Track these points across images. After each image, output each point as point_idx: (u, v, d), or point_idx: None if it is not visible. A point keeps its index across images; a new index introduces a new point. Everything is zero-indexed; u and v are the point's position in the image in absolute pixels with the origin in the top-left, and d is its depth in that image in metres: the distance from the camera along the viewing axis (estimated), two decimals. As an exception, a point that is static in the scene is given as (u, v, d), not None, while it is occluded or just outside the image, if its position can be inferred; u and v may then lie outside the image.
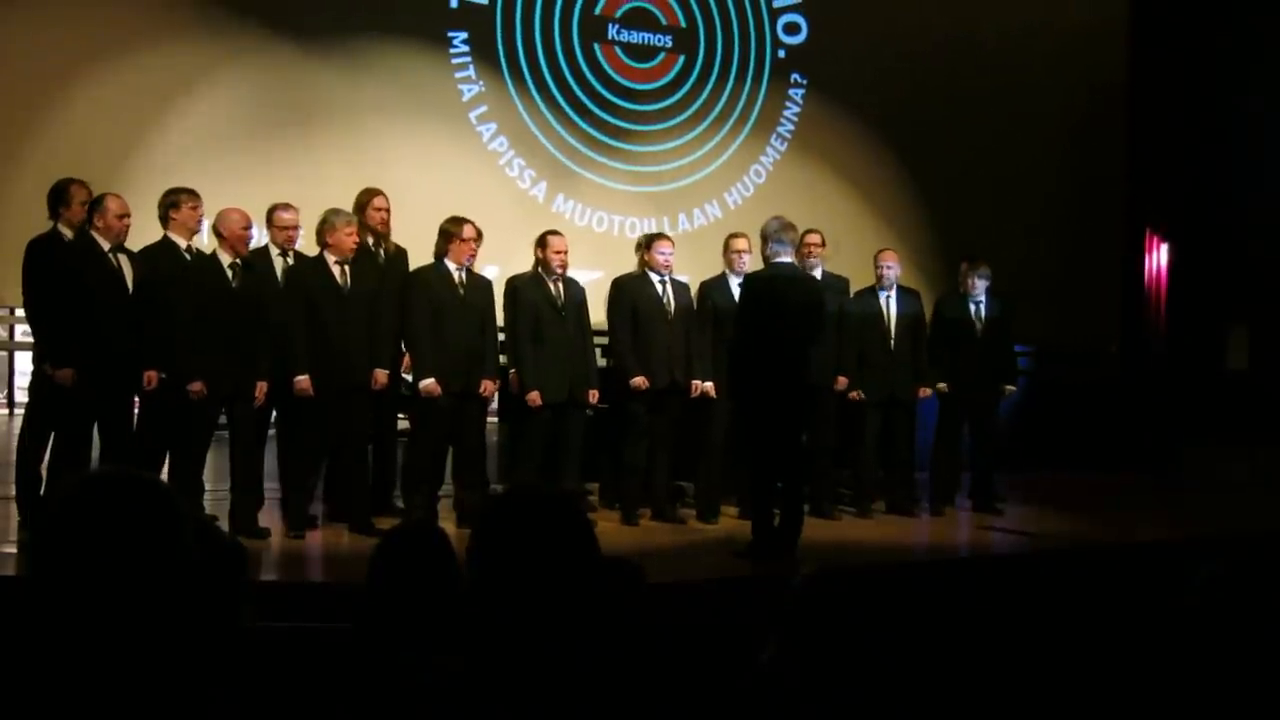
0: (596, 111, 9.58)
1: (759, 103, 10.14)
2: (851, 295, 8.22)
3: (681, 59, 9.88)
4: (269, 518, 6.82)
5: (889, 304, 8.15)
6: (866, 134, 10.46)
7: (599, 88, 9.61)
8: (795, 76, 10.28)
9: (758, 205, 9.73)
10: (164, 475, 6.52)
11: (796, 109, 10.25)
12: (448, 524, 6.77)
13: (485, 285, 7.27)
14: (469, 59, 9.12)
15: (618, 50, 9.68)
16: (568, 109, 9.49)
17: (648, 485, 7.65)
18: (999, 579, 6.39)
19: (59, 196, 6.40)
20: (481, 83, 9.16)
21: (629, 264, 7.92)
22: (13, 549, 6.04)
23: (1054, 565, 6.80)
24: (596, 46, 9.60)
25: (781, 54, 10.24)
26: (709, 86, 9.97)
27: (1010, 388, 8.48)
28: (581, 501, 7.44)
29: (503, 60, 9.25)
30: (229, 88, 8.41)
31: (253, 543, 6.29)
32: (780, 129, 10.22)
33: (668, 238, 7.77)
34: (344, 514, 6.96)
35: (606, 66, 9.63)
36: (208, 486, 6.83)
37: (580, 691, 1.92)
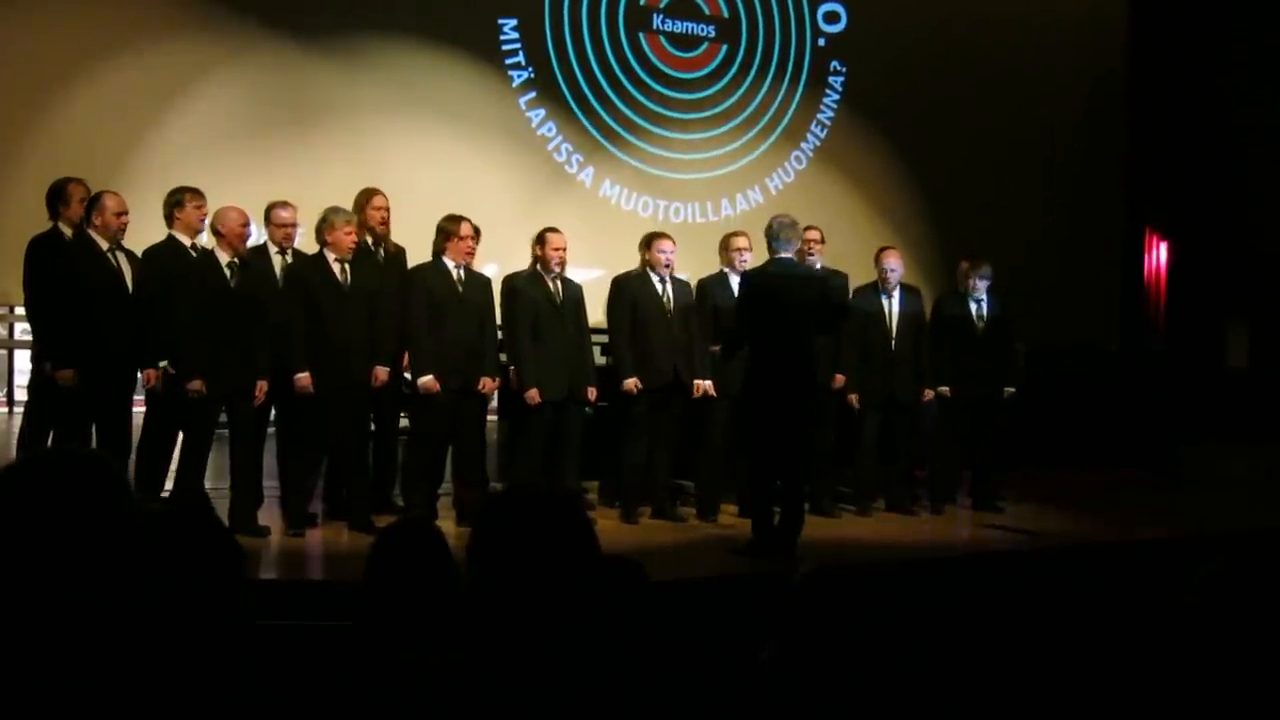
0: (641, 99, 9.75)
1: (800, 89, 10.29)
2: (851, 291, 8.19)
3: (724, 48, 10.07)
4: (268, 516, 6.83)
5: (891, 303, 8.13)
6: (878, 128, 10.52)
7: (644, 76, 9.79)
8: (835, 64, 10.41)
9: (800, 191, 10.01)
10: (169, 473, 6.56)
11: (836, 96, 10.36)
12: (447, 522, 6.77)
13: (484, 283, 7.27)
14: (519, 45, 9.27)
15: (662, 39, 9.85)
16: (613, 97, 9.65)
17: (647, 483, 7.64)
18: (999, 577, 6.39)
19: (58, 195, 6.40)
20: (531, 69, 9.30)
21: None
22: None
23: (1054, 563, 6.80)
24: (641, 35, 9.76)
25: (822, 42, 10.38)
26: (751, 75, 10.15)
27: (1010, 390, 8.45)
28: (581, 500, 7.43)
29: (550, 48, 9.40)
30: (229, 86, 8.40)
31: (252, 541, 6.31)
32: (821, 115, 10.37)
33: (668, 236, 7.74)
34: (343, 512, 6.95)
35: (651, 55, 9.79)
36: (207, 485, 6.82)
37: (580, 690, 1.92)
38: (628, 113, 9.69)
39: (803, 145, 10.29)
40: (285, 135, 8.49)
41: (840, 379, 7.95)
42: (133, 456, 6.48)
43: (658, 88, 9.80)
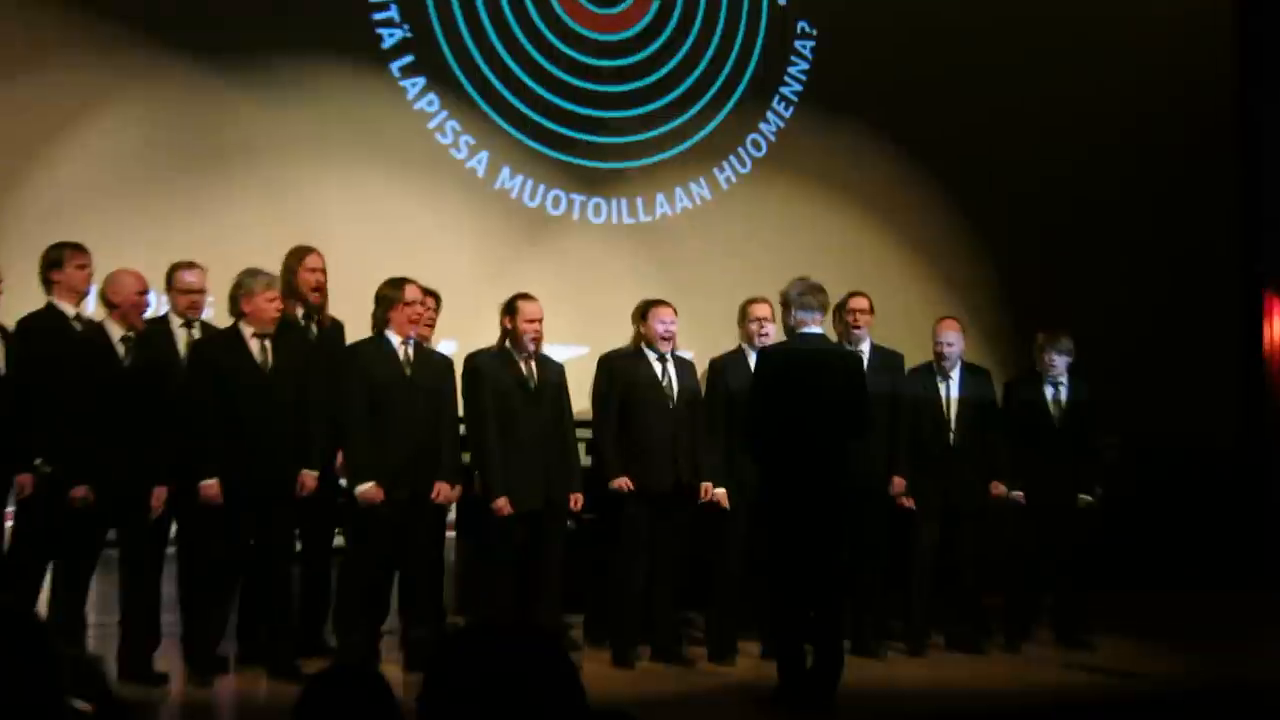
0: (547, 67, 9.74)
1: (755, 55, 10.29)
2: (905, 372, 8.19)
3: (656, 4, 10.05)
4: (167, 659, 6.77)
5: (949, 386, 8.14)
6: (865, 115, 10.55)
7: (554, 40, 9.77)
8: (803, 25, 10.45)
9: (756, 185, 10.05)
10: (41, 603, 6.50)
11: (805, 65, 10.38)
12: (393, 667, 6.74)
13: (440, 364, 7.27)
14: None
15: None
16: (510, 61, 9.62)
17: (646, 615, 7.60)
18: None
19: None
20: (406, 26, 9.31)
21: (621, 336, 7.91)
22: None
23: (1158, 713, 6.76)
24: None
25: (782, 1, 10.39)
26: (691, 38, 10.12)
27: (1087, 498, 8.42)
28: (562, 638, 7.39)
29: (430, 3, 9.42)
30: (121, 121, 8.49)
31: (146, 691, 6.27)
32: (785, 90, 10.37)
33: (669, 305, 7.73)
34: (262, 654, 6.90)
35: (560, 11, 9.79)
36: (91, 619, 6.79)
37: None
38: (529, 83, 9.68)
39: (762, 127, 10.34)
40: (191, 180, 8.56)
41: (900, 482, 7.95)
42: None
43: (568, 52, 9.81)
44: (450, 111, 9.45)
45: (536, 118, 9.73)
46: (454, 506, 7.53)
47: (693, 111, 10.13)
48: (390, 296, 7.05)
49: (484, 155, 9.57)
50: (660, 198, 10.00)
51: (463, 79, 9.51)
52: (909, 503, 8.00)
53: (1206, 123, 11.61)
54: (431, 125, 9.42)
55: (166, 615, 6.91)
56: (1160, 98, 11.27)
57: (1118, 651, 8.12)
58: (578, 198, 9.80)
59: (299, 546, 7.17)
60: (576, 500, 7.46)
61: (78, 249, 6.68)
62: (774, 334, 7.64)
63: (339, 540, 7.41)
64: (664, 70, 10.04)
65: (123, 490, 6.46)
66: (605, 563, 7.68)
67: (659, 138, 10.03)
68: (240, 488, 6.63)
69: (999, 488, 8.18)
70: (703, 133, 10.15)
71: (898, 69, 10.53)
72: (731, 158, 10.22)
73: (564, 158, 9.82)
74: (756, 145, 10.31)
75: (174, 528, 6.93)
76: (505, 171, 9.62)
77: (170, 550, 7.03)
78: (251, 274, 6.82)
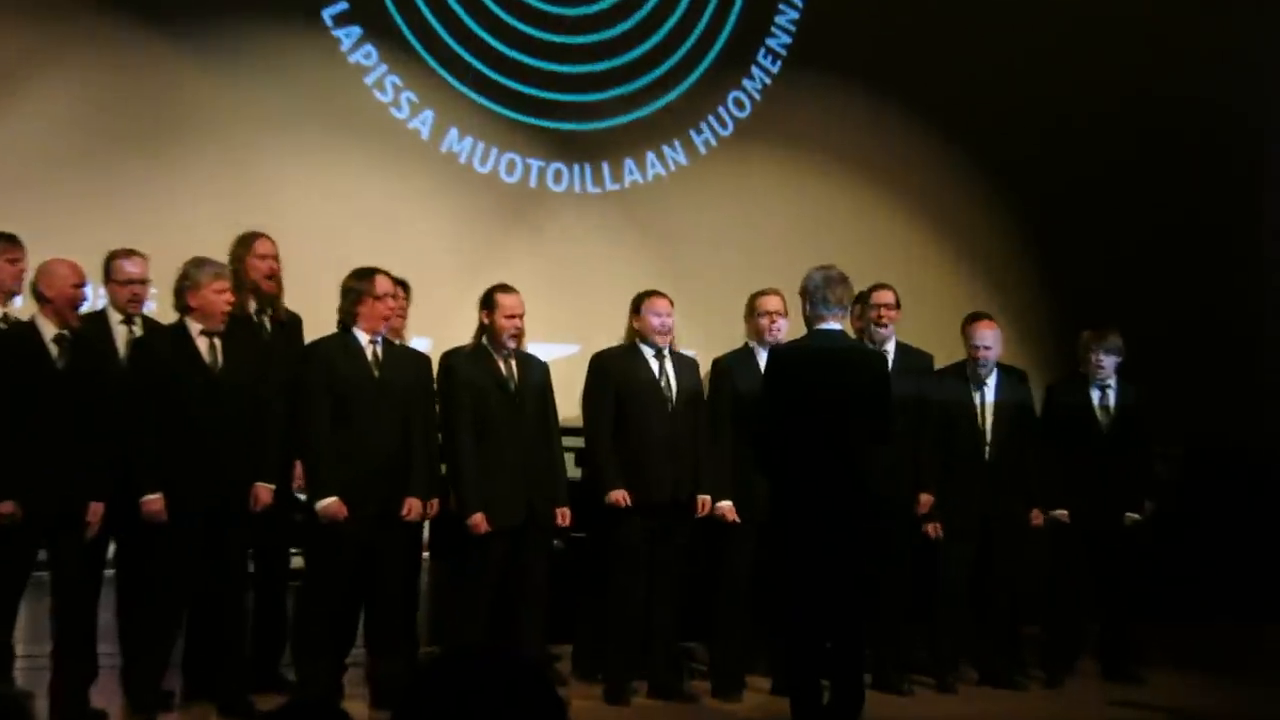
0: (502, 15, 9.80)
1: (736, 4, 10.30)
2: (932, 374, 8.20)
3: None
4: (105, 694, 6.77)
5: (984, 393, 8.12)
6: (864, 64, 10.53)
7: None
8: None
9: (740, 150, 10.06)
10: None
11: (795, 14, 10.40)
12: (358, 703, 6.75)
13: (414, 362, 7.28)
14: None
15: None
16: (460, 11, 9.70)
17: (642, 646, 7.61)
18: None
19: None
20: None
21: (611, 331, 7.92)
22: None
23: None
24: None
25: None
26: None
27: (1134, 515, 8.41)
28: (548, 670, 7.39)
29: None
30: (54, 91, 8.48)
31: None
32: (771, 42, 10.37)
33: (665, 296, 7.70)
34: (210, 689, 6.90)
35: None
36: (19, 650, 6.78)
37: None
38: (478, 31, 9.74)
39: (745, 84, 10.34)
40: (132, 157, 8.57)
41: (928, 499, 7.95)
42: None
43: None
44: (390, 65, 9.53)
45: (487, 71, 9.80)
46: (428, 524, 7.54)
47: (666, 66, 10.16)
48: (358, 289, 7.03)
49: (428, 114, 9.66)
50: (630, 164, 10.03)
51: (404, 28, 9.57)
52: (934, 529, 7.97)
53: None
54: (369, 80, 9.48)
55: (104, 645, 6.92)
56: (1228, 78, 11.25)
57: (1172, 688, 8.12)
58: (535, 162, 9.87)
59: (252, 568, 7.17)
60: (564, 516, 7.46)
61: (10, 240, 6.67)
62: (786, 330, 7.62)
63: (298, 562, 7.42)
64: (632, 20, 10.09)
65: (55, 506, 6.45)
66: (597, 586, 7.67)
67: (627, 96, 10.08)
68: (187, 503, 6.62)
69: (1039, 518, 8.14)
70: (678, 90, 10.17)
71: (902, 17, 10.50)
72: (711, 118, 10.22)
73: (519, 117, 9.90)
74: (739, 105, 10.32)
75: (112, 547, 6.95)
76: (453, 133, 9.71)
77: (109, 573, 7.04)
78: (198, 264, 6.81)
